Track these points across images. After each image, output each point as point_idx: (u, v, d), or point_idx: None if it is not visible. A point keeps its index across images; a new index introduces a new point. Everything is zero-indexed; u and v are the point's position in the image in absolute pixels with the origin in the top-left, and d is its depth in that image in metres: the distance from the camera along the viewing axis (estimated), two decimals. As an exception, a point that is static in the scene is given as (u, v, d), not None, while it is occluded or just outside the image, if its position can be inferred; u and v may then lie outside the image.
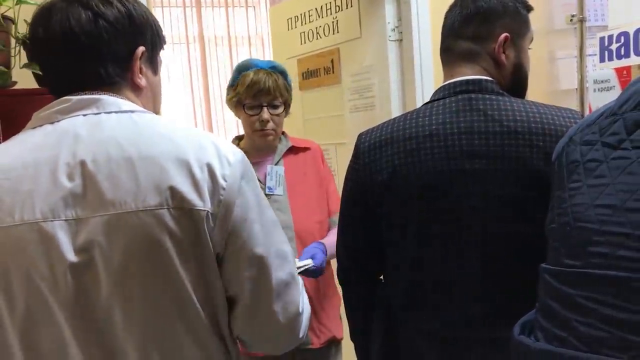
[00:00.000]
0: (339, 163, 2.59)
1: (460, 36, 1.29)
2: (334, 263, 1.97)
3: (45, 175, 0.86)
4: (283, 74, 1.88)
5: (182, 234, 0.87)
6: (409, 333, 1.29)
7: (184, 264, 0.88)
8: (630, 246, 0.69)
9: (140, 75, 0.98)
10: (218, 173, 0.89)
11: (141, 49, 0.96)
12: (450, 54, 1.31)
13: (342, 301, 1.49)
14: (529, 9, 1.32)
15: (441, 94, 1.28)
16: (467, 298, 1.22)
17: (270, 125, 1.82)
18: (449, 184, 1.20)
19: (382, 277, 1.39)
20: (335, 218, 1.85)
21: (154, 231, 0.85)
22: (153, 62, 1.02)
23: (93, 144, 0.87)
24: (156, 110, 1.06)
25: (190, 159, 0.88)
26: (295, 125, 2.83)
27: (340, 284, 1.46)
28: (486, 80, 1.26)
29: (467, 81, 1.26)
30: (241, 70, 1.86)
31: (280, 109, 1.86)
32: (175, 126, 0.94)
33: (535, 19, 1.37)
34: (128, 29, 0.94)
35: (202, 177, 0.88)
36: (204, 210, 0.87)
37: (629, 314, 0.67)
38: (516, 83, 1.29)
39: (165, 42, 1.07)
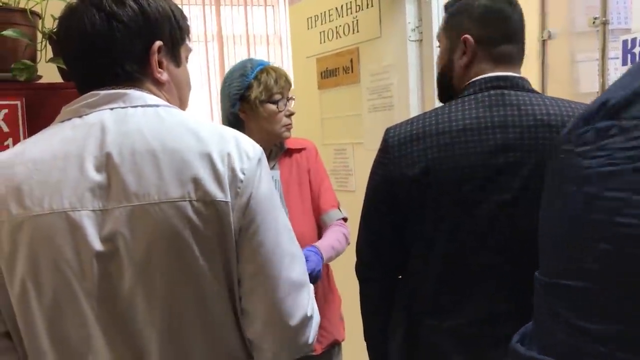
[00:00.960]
0: (356, 162, 2.60)
1: (510, 40, 1.32)
2: (332, 265, 1.95)
3: (73, 166, 0.88)
4: None
5: (205, 226, 0.88)
6: (433, 330, 1.29)
7: (206, 256, 0.89)
8: (587, 259, 0.68)
9: (160, 70, 0.98)
10: (237, 166, 0.91)
11: (157, 44, 0.97)
12: (496, 55, 1.32)
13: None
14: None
15: (472, 90, 1.29)
16: (494, 295, 1.22)
17: (292, 119, 1.83)
18: (483, 179, 1.21)
19: (401, 276, 1.40)
20: (332, 214, 1.88)
21: (176, 223, 0.87)
22: (175, 55, 1.03)
23: (119, 136, 0.89)
24: (182, 102, 1.08)
25: (213, 152, 0.90)
26: (312, 124, 2.84)
27: (360, 281, 1.45)
28: (519, 77, 1.29)
29: (499, 77, 1.28)
30: (252, 68, 1.80)
31: (292, 104, 1.86)
32: (199, 120, 0.96)
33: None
34: (142, 27, 0.95)
35: (224, 169, 0.89)
36: (226, 201, 0.89)
37: (591, 324, 0.66)
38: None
39: (189, 32, 1.06)
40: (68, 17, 0.96)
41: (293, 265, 0.96)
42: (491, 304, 1.22)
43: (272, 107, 1.77)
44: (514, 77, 1.29)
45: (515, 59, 1.34)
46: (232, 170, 0.90)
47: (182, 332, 0.91)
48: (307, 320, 0.96)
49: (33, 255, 0.87)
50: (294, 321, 0.95)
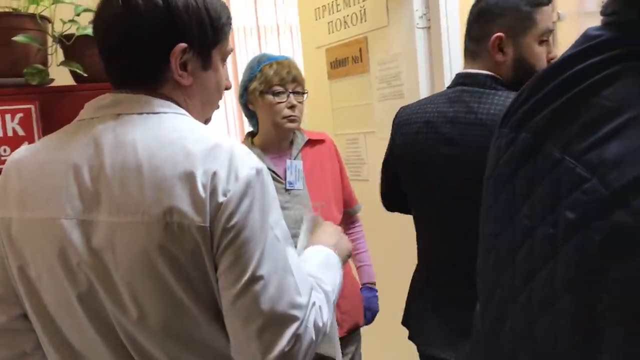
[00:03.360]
0: (369, 152, 2.60)
1: (468, 36, 1.46)
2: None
3: (72, 174, 0.89)
4: (297, 66, 1.91)
5: (179, 250, 0.84)
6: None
7: (181, 281, 0.85)
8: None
9: (182, 73, 0.94)
10: (219, 187, 0.84)
11: (181, 46, 0.92)
12: (465, 50, 1.50)
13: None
14: (536, 3, 1.38)
15: (450, 84, 1.49)
16: (440, 264, 1.54)
17: (297, 111, 1.83)
18: (431, 167, 1.45)
19: None
20: (357, 208, 2.08)
21: (151, 246, 0.84)
22: (204, 57, 0.97)
23: (114, 147, 0.88)
24: (206, 107, 1.03)
25: (197, 172, 0.84)
26: (324, 114, 2.85)
27: (387, 208, 1.84)
28: (483, 74, 1.39)
29: (465, 74, 1.45)
30: (260, 62, 1.87)
31: (303, 97, 1.87)
32: (198, 133, 0.90)
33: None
34: (165, 26, 0.91)
35: (205, 191, 0.84)
36: (204, 225, 0.83)
37: None
38: (518, 78, 1.38)
39: (226, 34, 1.01)
40: (98, 12, 0.95)
41: (281, 296, 0.86)
42: (439, 270, 1.54)
43: (270, 98, 1.81)
44: (477, 74, 1.40)
45: (477, 54, 1.43)
46: (214, 191, 0.84)
47: (172, 352, 0.90)
48: (283, 356, 0.86)
49: (27, 255, 0.91)
50: (268, 357, 0.86)
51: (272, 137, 1.86)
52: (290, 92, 1.82)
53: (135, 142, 0.87)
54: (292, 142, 1.90)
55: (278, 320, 0.86)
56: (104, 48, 0.96)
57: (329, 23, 2.75)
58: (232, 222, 0.84)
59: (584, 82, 0.53)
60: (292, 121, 1.83)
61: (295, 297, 0.88)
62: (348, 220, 2.06)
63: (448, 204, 1.44)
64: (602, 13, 0.56)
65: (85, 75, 1.42)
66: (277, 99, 1.81)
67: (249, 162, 0.88)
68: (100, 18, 0.95)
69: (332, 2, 2.71)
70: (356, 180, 2.66)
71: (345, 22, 2.64)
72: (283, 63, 1.84)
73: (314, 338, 0.90)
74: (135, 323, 0.87)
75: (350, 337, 1.95)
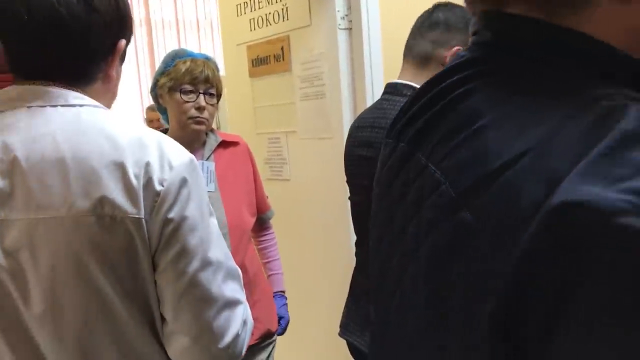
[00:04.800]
0: (290, 151, 2.59)
1: (424, 37, 1.56)
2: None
3: None
4: (217, 67, 1.86)
5: (111, 243, 0.81)
6: None
7: (111, 276, 0.82)
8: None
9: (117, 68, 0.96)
10: (155, 177, 0.83)
11: (123, 42, 0.94)
12: (408, 52, 1.60)
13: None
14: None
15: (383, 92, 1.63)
16: (367, 253, 1.63)
17: (205, 113, 1.77)
18: (354, 167, 1.63)
19: None
20: (269, 214, 2.03)
21: (80, 241, 0.80)
22: (124, 54, 0.98)
23: (29, 140, 0.82)
24: (114, 98, 1.02)
25: (127, 162, 0.82)
26: (245, 113, 2.81)
27: None
28: (404, 85, 1.55)
29: (391, 84, 1.60)
30: (175, 57, 1.80)
31: (215, 100, 1.82)
32: (123, 124, 0.88)
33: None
34: (116, 20, 0.91)
35: (137, 181, 0.82)
36: (138, 217, 0.81)
37: None
38: None
39: (132, 32, 1.02)
40: None
41: (227, 282, 0.89)
42: (365, 263, 1.62)
43: (177, 96, 1.76)
44: (398, 84, 1.57)
45: (430, 56, 1.54)
46: (149, 182, 0.82)
47: (92, 353, 0.85)
48: (237, 339, 0.90)
49: None
50: (224, 342, 0.88)
51: (181, 136, 1.75)
52: (200, 93, 1.76)
53: (54, 134, 0.83)
54: (204, 143, 1.84)
55: (229, 305, 0.89)
56: (35, 36, 0.86)
57: (250, 20, 2.72)
58: (174, 212, 0.84)
59: (446, 97, 0.59)
60: (198, 123, 1.76)
61: (237, 281, 0.92)
62: (260, 227, 2.02)
63: (363, 200, 1.59)
64: (471, 34, 0.61)
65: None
66: (184, 98, 1.75)
67: (180, 151, 0.89)
68: (38, 4, 0.85)
69: (254, -1, 2.67)
70: (277, 179, 2.65)
71: (267, 19, 2.61)
72: (198, 61, 1.78)
73: (252, 324, 0.95)
74: (47, 324, 0.82)
75: (261, 346, 1.88)
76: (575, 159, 0.40)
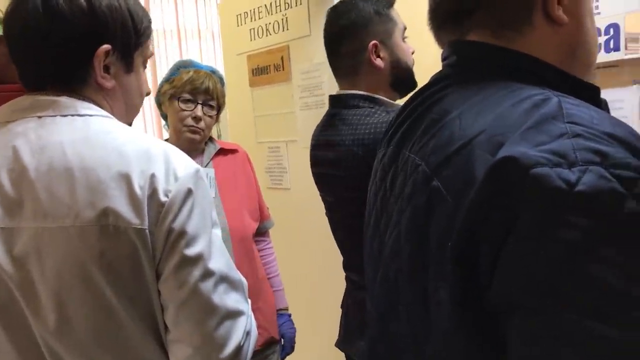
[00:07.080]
0: (290, 160, 2.60)
1: (339, 54, 1.48)
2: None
3: None
4: (221, 80, 1.89)
5: (115, 253, 0.82)
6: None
7: (115, 285, 0.83)
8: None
9: (104, 75, 0.92)
10: (160, 188, 0.84)
11: (104, 47, 0.90)
12: (336, 73, 1.53)
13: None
14: (388, 5, 1.46)
15: (329, 105, 1.55)
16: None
17: (202, 124, 1.80)
18: (318, 183, 1.59)
19: None
20: (267, 224, 2.03)
21: (85, 251, 0.81)
22: (126, 60, 0.95)
23: (38, 150, 0.84)
24: (130, 110, 1.01)
25: (133, 173, 0.83)
26: (245, 122, 2.82)
27: None
28: (350, 95, 1.45)
29: (335, 97, 1.51)
30: (180, 67, 1.85)
31: (214, 112, 1.85)
32: (129, 135, 0.89)
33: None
34: (88, 27, 0.88)
35: (142, 192, 0.82)
36: (142, 228, 0.82)
37: None
38: (399, 77, 1.47)
39: (148, 36, 0.99)
40: (12, 9, 0.89)
41: (229, 292, 0.89)
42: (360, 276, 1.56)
43: (176, 104, 1.80)
44: (344, 95, 1.47)
45: (356, 68, 1.45)
46: (153, 193, 0.83)
47: None
48: (239, 349, 0.90)
49: None
50: (225, 353, 0.88)
51: (177, 144, 1.78)
52: (199, 103, 1.79)
53: (62, 144, 0.84)
54: (203, 151, 1.87)
55: (231, 316, 0.88)
56: (19, 50, 0.90)
57: (250, 30, 2.73)
58: (177, 222, 0.84)
59: (424, 104, 0.77)
60: (193, 132, 1.79)
61: (240, 292, 0.92)
62: (259, 236, 2.01)
63: (332, 215, 1.60)
64: (442, 59, 0.79)
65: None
66: (182, 106, 1.79)
67: (186, 162, 0.89)
68: (15, 18, 0.89)
69: (254, 9, 2.68)
70: (278, 188, 2.65)
71: (267, 29, 2.63)
72: (200, 72, 1.81)
73: (256, 335, 0.94)
74: (55, 333, 0.83)
75: (265, 354, 1.88)
76: (513, 133, 0.56)
